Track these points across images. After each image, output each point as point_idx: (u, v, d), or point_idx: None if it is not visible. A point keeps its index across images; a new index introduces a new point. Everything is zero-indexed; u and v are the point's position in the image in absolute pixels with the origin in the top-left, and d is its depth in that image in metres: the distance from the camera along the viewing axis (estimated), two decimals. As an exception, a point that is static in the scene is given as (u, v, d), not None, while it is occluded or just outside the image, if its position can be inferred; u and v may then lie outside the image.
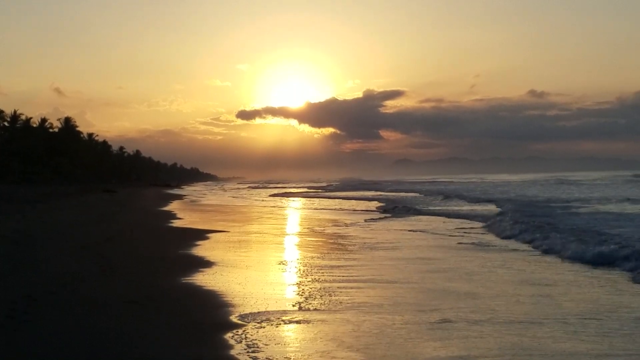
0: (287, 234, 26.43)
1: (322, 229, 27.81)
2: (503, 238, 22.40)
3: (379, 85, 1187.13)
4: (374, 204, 50.64)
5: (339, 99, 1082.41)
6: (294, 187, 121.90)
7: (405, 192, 79.85)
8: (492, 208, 39.59)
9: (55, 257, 16.68)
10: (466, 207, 42.77)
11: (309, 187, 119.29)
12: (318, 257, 17.71)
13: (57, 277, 13.33)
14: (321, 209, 46.13)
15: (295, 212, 45.04)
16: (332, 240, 22.48)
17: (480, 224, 28.54)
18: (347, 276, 14.40)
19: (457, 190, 74.46)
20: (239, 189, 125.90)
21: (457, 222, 30.33)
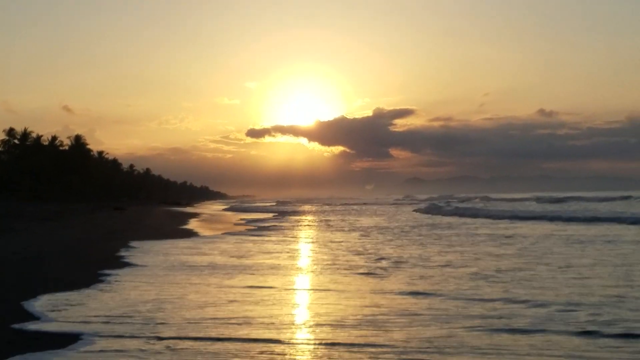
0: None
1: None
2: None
3: (388, 103, 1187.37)
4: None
5: (348, 117, 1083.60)
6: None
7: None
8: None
9: (64, 273, 16.18)
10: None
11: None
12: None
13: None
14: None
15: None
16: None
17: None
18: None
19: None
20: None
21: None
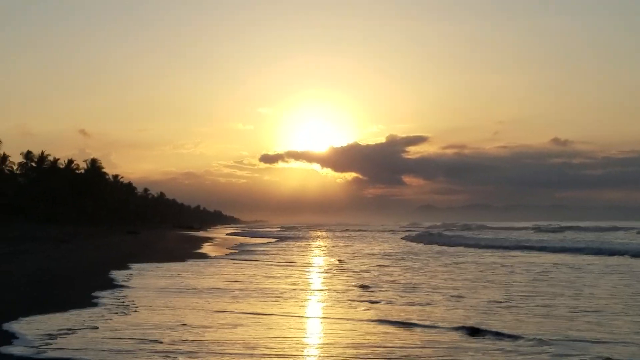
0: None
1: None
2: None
3: (402, 130, 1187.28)
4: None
5: (361, 143, 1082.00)
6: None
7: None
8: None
9: (77, 296, 17.25)
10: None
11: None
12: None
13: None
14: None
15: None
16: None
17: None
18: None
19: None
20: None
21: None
